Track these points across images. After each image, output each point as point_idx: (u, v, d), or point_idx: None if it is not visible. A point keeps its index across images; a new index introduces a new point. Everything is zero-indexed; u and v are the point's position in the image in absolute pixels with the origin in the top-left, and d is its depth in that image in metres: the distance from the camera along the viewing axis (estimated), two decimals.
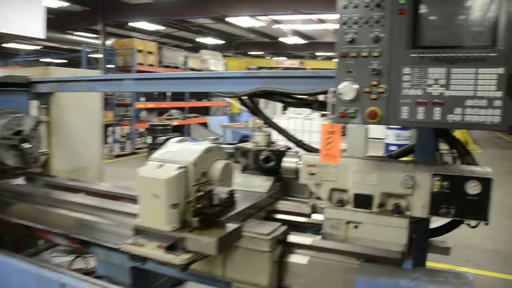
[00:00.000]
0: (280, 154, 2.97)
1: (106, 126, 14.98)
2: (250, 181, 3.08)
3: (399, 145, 11.45)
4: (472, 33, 1.95)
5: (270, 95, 3.23)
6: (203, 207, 2.21)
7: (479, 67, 1.92)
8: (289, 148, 3.33)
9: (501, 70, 1.89)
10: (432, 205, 2.14)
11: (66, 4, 16.46)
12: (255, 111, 3.64)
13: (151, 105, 17.88)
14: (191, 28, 20.88)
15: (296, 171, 2.62)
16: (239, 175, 3.12)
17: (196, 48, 22.63)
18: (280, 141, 3.44)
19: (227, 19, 17.76)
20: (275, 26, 19.01)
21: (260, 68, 23.06)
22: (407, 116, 2.03)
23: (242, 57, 25.79)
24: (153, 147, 14.71)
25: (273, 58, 26.57)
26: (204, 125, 19.17)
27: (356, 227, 2.33)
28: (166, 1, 15.67)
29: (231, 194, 2.30)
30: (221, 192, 2.26)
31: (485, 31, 1.93)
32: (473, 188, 2.06)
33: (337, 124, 2.29)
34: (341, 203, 2.39)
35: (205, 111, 21.00)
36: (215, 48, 23.50)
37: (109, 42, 18.12)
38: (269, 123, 3.60)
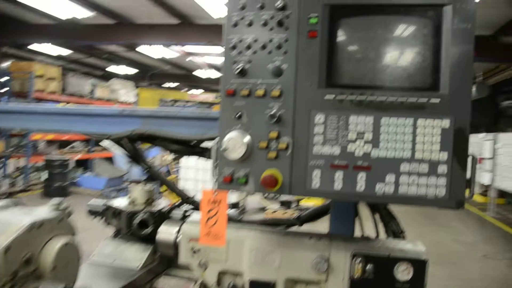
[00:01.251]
0: (161, 216, 2.40)
1: None
2: (121, 252, 2.45)
3: None
4: (408, 71, 1.39)
5: (150, 139, 2.51)
6: None
7: (418, 117, 1.35)
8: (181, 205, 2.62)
9: (446, 123, 1.34)
10: None
11: None
12: (135, 157, 2.88)
13: (50, 136, 16.23)
14: (102, 55, 19.70)
15: (175, 246, 1.99)
16: (109, 242, 2.42)
17: (108, 76, 21.40)
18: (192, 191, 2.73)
19: (139, 49, 16.90)
20: (189, 58, 18.43)
21: (175, 101, 22.23)
22: (319, 184, 1.41)
23: (157, 89, 24.83)
24: (50, 184, 13.33)
25: (189, 92, 25.87)
26: (110, 159, 17.80)
27: None
28: (71, 24, 14.46)
29: None
30: None
31: (424, 68, 1.38)
32: (403, 273, 1.66)
33: (223, 192, 1.61)
34: None
35: None
36: (128, 77, 22.39)
37: (4, 64, 16.35)
38: (152, 172, 2.85)
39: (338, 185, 1.40)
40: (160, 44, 14.81)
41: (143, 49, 16.80)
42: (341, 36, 1.43)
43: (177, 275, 2.42)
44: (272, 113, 1.42)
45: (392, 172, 1.37)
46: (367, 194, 1.38)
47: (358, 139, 1.38)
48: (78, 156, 16.03)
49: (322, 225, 2.18)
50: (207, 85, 25.21)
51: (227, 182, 1.47)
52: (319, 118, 1.40)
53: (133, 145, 2.76)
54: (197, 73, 22.29)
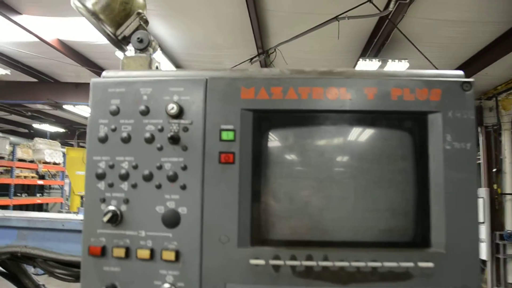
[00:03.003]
0: None
1: None
2: None
3: None
4: (379, 216, 0.88)
5: (27, 259, 1.87)
6: None
7: None
8: None
9: None
10: None
11: None
12: (15, 277, 2.20)
13: None
14: (25, 113, 18.41)
15: None
16: None
17: (34, 135, 19.96)
18: None
19: (66, 107, 15.91)
20: None
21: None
22: None
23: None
24: None
25: None
26: None
27: None
28: None
29: None
30: None
31: (404, 212, 0.88)
32: None
33: None
34: None
35: (39, 208, 17.97)
36: (55, 136, 21.04)
37: None
38: None
39: None
40: (85, 104, 13.97)
41: (70, 108, 15.82)
42: (274, 159, 0.90)
43: None
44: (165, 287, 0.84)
45: None
46: None
47: None
48: None
49: None
50: None
51: None
52: None
53: (14, 262, 2.09)
54: None
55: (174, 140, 0.88)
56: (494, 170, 9.14)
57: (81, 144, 23.81)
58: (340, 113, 0.88)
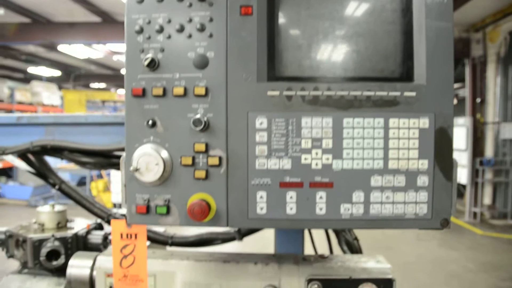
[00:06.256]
0: (76, 242, 2.02)
1: None
2: None
3: None
4: (374, 57, 1.06)
5: (55, 152, 2.05)
6: None
7: (389, 116, 1.02)
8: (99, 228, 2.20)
9: (424, 122, 1.02)
10: None
11: None
12: (40, 172, 2.39)
13: None
14: (19, 56, 18.21)
15: (90, 283, 1.62)
16: (13, 277, 1.95)
17: (29, 79, 19.84)
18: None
19: (61, 49, 15.75)
20: (116, 57, 17.43)
21: (103, 102, 21.09)
22: (266, 210, 1.04)
23: (83, 90, 23.43)
24: None
25: (118, 91, 24.65)
26: None
27: None
28: None
29: None
30: None
31: (393, 52, 1.06)
32: None
33: (140, 226, 1.21)
34: None
35: None
36: (50, 79, 20.94)
37: None
38: (63, 189, 2.38)
39: (291, 209, 1.04)
40: (81, 43, 13.85)
41: (65, 48, 15.69)
42: (286, 12, 1.07)
43: None
44: (196, 117, 1.04)
45: (361, 189, 1.03)
46: (330, 218, 1.04)
47: (314, 148, 1.03)
48: (0, 164, 14.74)
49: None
50: None
51: (141, 213, 1.07)
52: (261, 122, 1.04)
53: (37, 157, 2.29)
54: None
55: None
56: (479, 100, 9.45)
57: (77, 87, 23.62)
58: None
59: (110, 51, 16.08)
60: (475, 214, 9.66)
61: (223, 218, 1.06)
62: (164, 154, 1.05)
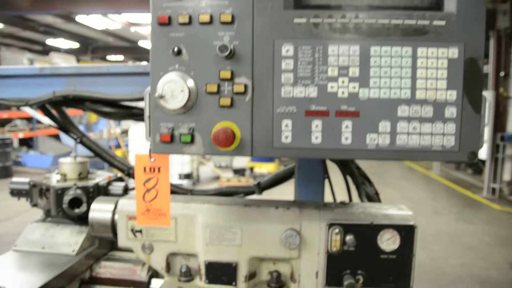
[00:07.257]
0: (98, 191, 2.05)
1: None
2: (52, 236, 2.01)
3: None
4: None
5: (77, 102, 2.07)
6: None
7: (418, 45, 1.01)
8: (120, 180, 2.23)
9: (453, 52, 1.00)
10: (329, 271, 1.41)
11: None
12: (63, 125, 2.44)
13: None
14: (38, 28, 18.31)
15: (112, 226, 1.66)
16: (37, 225, 2.02)
17: (47, 51, 19.97)
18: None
19: (79, 19, 15.76)
20: (133, 29, 17.40)
21: None
22: (291, 139, 1.04)
23: (100, 62, 23.56)
24: None
25: (136, 63, 24.70)
26: (56, 136, 16.73)
27: None
28: None
29: None
30: None
31: None
32: (389, 242, 1.39)
33: (163, 156, 1.22)
34: (188, 276, 1.56)
35: None
36: (69, 52, 21.06)
37: None
38: (85, 142, 2.43)
39: (316, 138, 1.04)
40: (98, 13, 13.84)
41: (83, 19, 15.71)
42: None
43: (122, 258, 2.05)
44: (222, 44, 1.03)
45: (387, 119, 1.02)
46: (356, 148, 1.04)
47: (340, 76, 1.02)
48: (21, 135, 15.00)
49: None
50: None
51: (165, 141, 1.08)
52: (287, 49, 1.03)
53: (59, 110, 2.32)
54: (143, 44, 21.24)
55: None
56: (502, 74, 9.22)
57: (94, 59, 23.73)
58: None
59: (128, 22, 16.06)
60: (493, 190, 9.57)
61: (248, 147, 1.06)
62: (190, 82, 1.05)
